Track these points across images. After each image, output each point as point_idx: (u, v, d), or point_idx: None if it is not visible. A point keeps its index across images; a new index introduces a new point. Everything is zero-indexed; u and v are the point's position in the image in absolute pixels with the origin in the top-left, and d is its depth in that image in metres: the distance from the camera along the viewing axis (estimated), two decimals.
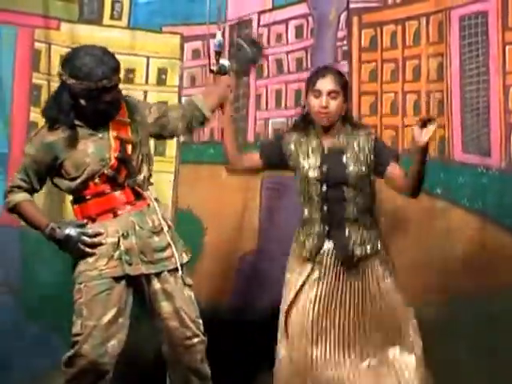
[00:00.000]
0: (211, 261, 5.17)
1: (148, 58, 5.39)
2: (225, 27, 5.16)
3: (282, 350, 4.04)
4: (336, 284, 4.01)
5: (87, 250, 3.90)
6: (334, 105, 3.94)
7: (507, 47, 4.98)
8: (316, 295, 3.99)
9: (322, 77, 3.97)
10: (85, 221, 3.95)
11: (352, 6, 5.21)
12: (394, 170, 3.99)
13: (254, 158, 4.15)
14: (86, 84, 3.78)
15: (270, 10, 5.35)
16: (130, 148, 3.95)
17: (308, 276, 4.02)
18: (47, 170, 3.96)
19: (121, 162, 3.93)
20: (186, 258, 4.08)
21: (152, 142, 5.30)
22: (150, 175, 4.09)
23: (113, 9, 5.39)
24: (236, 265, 5.21)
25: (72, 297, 4.97)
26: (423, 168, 3.84)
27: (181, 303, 4.00)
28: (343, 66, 5.19)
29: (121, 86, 5.18)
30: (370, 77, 5.24)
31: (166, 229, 4.01)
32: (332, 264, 4.00)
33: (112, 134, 3.93)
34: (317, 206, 4.00)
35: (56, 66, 5.22)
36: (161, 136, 4.19)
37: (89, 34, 5.32)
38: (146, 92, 5.37)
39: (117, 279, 3.92)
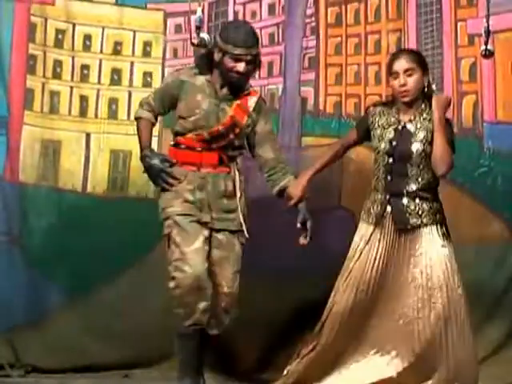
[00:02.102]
0: None
1: (134, 32, 5.67)
2: (204, 5, 5.43)
3: (337, 298, 4.27)
4: (394, 246, 4.23)
5: (163, 184, 4.32)
6: (411, 81, 4.15)
7: (459, 24, 5.37)
8: (376, 254, 4.24)
9: (396, 59, 4.19)
10: (174, 161, 4.36)
11: None
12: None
13: (352, 136, 4.38)
14: (225, 43, 4.21)
15: None
16: (237, 130, 4.35)
17: (370, 237, 4.26)
18: (169, 100, 4.39)
19: (220, 135, 4.33)
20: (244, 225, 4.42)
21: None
22: (240, 154, 4.46)
23: None
24: None
25: (66, 245, 5.42)
26: (443, 141, 4.07)
27: (228, 254, 4.38)
28: (311, 41, 5.51)
29: (110, 57, 5.63)
30: (335, 50, 5.56)
31: (238, 195, 4.40)
32: (391, 228, 4.23)
33: (231, 112, 4.33)
34: (382, 176, 4.24)
35: (51, 39, 5.58)
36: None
37: (81, 10, 5.62)
38: (132, 63, 5.68)
39: (188, 215, 4.31)
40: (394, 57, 4.24)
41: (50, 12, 5.57)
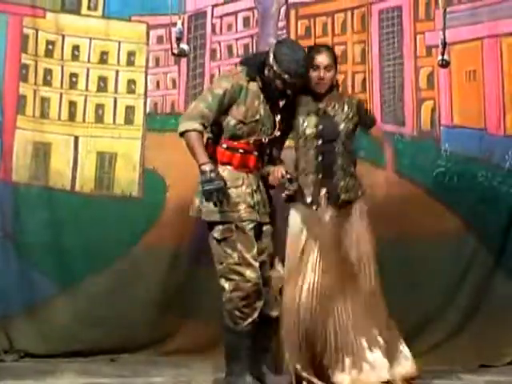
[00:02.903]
0: (171, 212, 5.66)
1: (119, 42, 5.88)
2: (184, 18, 5.58)
3: (289, 287, 4.45)
4: (332, 224, 4.48)
5: (216, 201, 4.25)
6: (328, 76, 4.48)
7: (418, 36, 5.68)
8: (318, 235, 4.46)
9: (319, 53, 4.48)
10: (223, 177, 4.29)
11: (290, 0, 5.81)
12: None
13: None
14: (280, 69, 4.30)
15: (222, 4, 5.90)
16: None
17: (310, 218, 4.48)
18: (227, 105, 4.35)
19: (275, 139, 4.50)
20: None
21: (123, 110, 5.85)
22: None
23: (89, 0, 5.87)
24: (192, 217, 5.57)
25: (56, 240, 5.66)
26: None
27: (269, 243, 4.48)
28: None
29: (96, 66, 5.85)
30: None
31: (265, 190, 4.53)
32: (326, 206, 4.47)
33: (277, 116, 4.48)
34: (313, 158, 4.49)
35: (42, 49, 5.77)
36: None
37: (70, 22, 5.82)
38: (117, 71, 5.89)
39: (252, 221, 4.42)
40: (316, 51, 4.52)
41: (41, 24, 5.78)
